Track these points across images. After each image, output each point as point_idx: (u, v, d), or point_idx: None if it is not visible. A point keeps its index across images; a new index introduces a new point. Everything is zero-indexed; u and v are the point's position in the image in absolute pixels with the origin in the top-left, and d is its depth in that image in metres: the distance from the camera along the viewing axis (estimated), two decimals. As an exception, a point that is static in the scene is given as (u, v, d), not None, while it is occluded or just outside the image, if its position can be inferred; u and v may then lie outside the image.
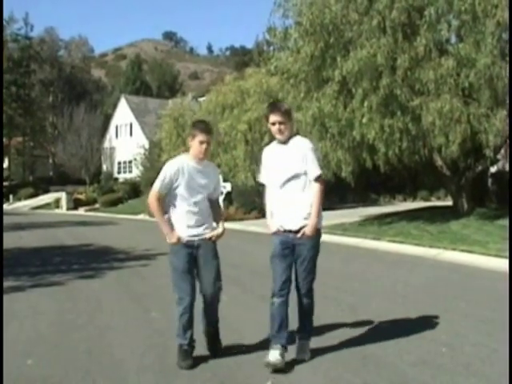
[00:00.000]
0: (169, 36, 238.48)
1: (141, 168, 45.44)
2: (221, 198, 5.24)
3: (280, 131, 4.74)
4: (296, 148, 4.76)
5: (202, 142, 4.82)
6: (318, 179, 4.75)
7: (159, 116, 39.90)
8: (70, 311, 7.21)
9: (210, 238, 4.90)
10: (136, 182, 46.18)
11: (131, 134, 57.65)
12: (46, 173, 68.05)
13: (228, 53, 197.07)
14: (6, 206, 50.24)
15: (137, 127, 56.69)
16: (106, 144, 59.32)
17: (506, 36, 13.52)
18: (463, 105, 13.98)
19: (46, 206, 49.56)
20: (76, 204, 46.55)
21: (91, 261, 12.45)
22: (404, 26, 14.56)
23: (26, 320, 6.73)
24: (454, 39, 15.37)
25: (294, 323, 4.89)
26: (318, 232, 4.79)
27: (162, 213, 4.93)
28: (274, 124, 4.74)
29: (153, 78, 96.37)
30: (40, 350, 5.42)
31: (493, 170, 20.93)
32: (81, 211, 44.02)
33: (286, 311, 4.71)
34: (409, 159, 15.70)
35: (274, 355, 4.56)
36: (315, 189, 4.75)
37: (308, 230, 4.69)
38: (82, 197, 48.22)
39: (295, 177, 4.71)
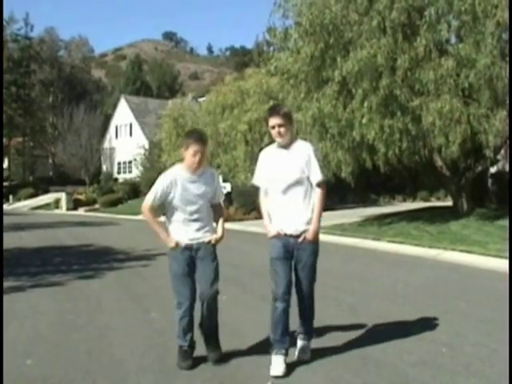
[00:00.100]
0: (169, 36, 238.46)
1: (141, 168, 45.50)
2: (222, 205, 5.14)
3: (280, 134, 4.67)
4: (299, 153, 4.71)
5: (195, 153, 4.70)
6: (319, 184, 4.74)
7: (159, 116, 39.92)
8: (69, 311, 7.21)
9: (210, 242, 4.85)
10: (136, 182, 46.21)
11: (131, 134, 57.66)
12: (46, 173, 68.07)
13: (228, 53, 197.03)
14: (5, 207, 50.24)
15: (137, 127, 56.70)
16: (106, 144, 59.35)
17: (506, 36, 13.51)
18: (463, 105, 13.98)
19: (46, 206, 49.57)
20: (76, 204, 46.55)
21: (91, 261, 12.45)
22: (404, 26, 14.56)
23: (26, 320, 6.74)
24: (453, 39, 15.38)
25: (292, 323, 4.88)
26: (317, 237, 4.79)
27: (156, 221, 4.92)
28: (273, 127, 4.68)
29: (153, 78, 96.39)
30: (40, 350, 5.42)
31: (493, 170, 20.93)
32: (80, 211, 44.02)
33: (288, 316, 4.69)
34: (409, 159, 15.69)
35: (277, 367, 4.52)
36: (317, 194, 4.74)
37: (310, 235, 4.67)
38: (81, 197, 48.23)
39: (298, 182, 4.67)
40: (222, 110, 28.00)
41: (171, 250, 4.85)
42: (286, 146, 4.74)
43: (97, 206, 45.45)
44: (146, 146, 47.28)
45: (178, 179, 4.80)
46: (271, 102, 20.71)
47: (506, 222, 13.79)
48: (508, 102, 13.51)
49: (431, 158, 16.61)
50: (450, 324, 5.99)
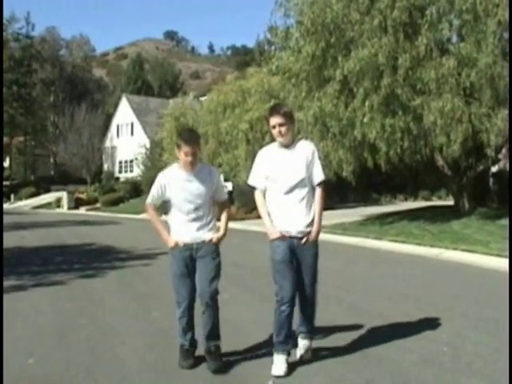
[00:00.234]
0: (170, 35, 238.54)
1: (142, 167, 45.49)
2: (226, 204, 5.06)
3: (281, 133, 4.62)
4: (303, 153, 4.68)
5: (186, 154, 4.65)
6: (320, 184, 4.74)
7: (160, 115, 39.94)
8: (71, 310, 7.21)
9: (211, 240, 4.78)
10: (137, 181, 46.20)
11: (132, 133, 57.67)
12: (48, 172, 68.11)
13: (229, 52, 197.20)
14: (7, 206, 50.32)
15: (138, 127, 56.71)
16: (108, 143, 59.38)
17: (507, 35, 13.51)
18: (464, 104, 13.98)
19: (48, 205, 49.58)
20: (77, 203, 46.57)
21: (93, 260, 12.46)
22: (405, 25, 14.56)
23: (27, 319, 6.74)
24: (455, 39, 15.39)
25: (293, 323, 4.88)
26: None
27: (159, 220, 4.93)
28: (274, 127, 4.63)
29: (154, 77, 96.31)
30: (42, 349, 5.43)
31: (494, 169, 20.90)
32: (82, 210, 44.05)
33: (292, 318, 4.67)
34: (410, 159, 15.70)
35: (279, 366, 4.53)
36: (319, 194, 4.73)
37: (313, 236, 4.66)
38: (83, 196, 48.26)
39: (301, 182, 4.63)
40: (224, 109, 27.99)
41: (171, 249, 4.84)
42: (287, 146, 4.69)
43: (98, 205, 45.47)
44: (148, 145, 47.29)
45: (174, 179, 4.79)
46: (272, 101, 20.72)
47: (507, 222, 13.78)
48: (509, 101, 13.50)
49: (432, 157, 16.61)
50: (451, 323, 5.99)
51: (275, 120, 4.62)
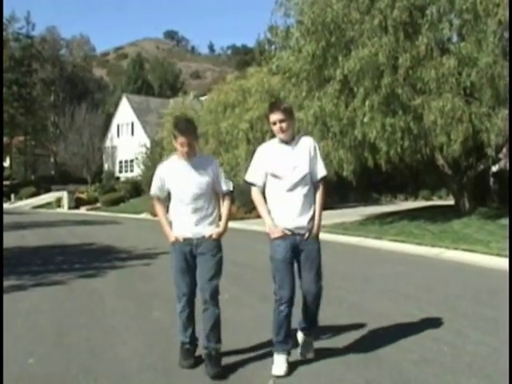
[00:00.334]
0: (170, 35, 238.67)
1: (142, 167, 45.47)
2: (227, 197, 4.95)
3: (282, 130, 4.57)
4: (304, 149, 4.65)
5: (182, 145, 4.60)
6: (322, 179, 4.73)
7: (161, 115, 39.93)
8: (71, 310, 7.22)
9: (210, 236, 4.70)
10: (137, 181, 46.19)
11: (133, 133, 57.68)
12: (48, 172, 68.15)
13: (229, 52, 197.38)
14: (7, 205, 50.35)
15: (138, 126, 56.73)
16: (108, 143, 59.39)
17: (507, 35, 13.50)
18: (465, 104, 13.98)
19: (48, 205, 49.61)
20: (77, 203, 46.59)
21: (93, 260, 12.46)
22: (405, 24, 14.56)
23: (27, 319, 6.74)
24: (455, 38, 15.38)
25: (293, 323, 4.87)
26: None
27: (163, 213, 4.91)
28: (274, 123, 4.59)
29: (154, 77, 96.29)
30: (42, 349, 5.42)
31: (494, 169, 20.89)
32: (82, 210, 44.07)
33: (291, 317, 4.65)
34: (410, 158, 15.70)
35: (279, 366, 4.52)
36: (321, 189, 4.72)
37: (315, 230, 4.63)
38: (83, 196, 48.28)
39: (304, 178, 4.60)
40: (224, 108, 28.00)
41: (172, 244, 4.81)
42: (288, 142, 4.65)
43: (98, 204, 45.49)
44: (148, 145, 47.27)
45: (173, 169, 4.76)
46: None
47: (507, 221, 13.77)
48: (509, 100, 13.49)
49: (433, 157, 16.61)
50: (451, 323, 5.99)
51: (275, 116, 4.58)
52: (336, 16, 14.97)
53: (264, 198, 4.74)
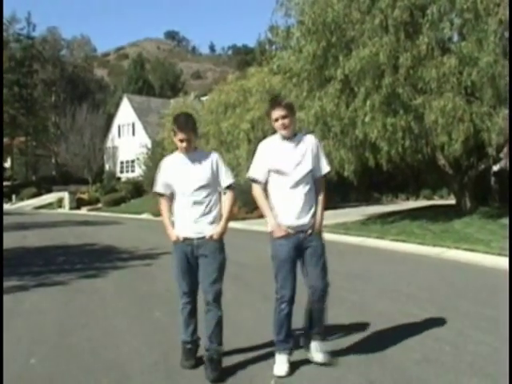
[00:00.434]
0: (171, 35, 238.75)
1: (143, 167, 45.50)
2: (229, 193, 4.80)
3: (284, 126, 4.53)
4: (307, 145, 4.62)
5: (181, 141, 4.62)
6: (325, 176, 4.73)
7: (162, 115, 39.96)
8: (73, 310, 7.22)
9: (211, 237, 4.65)
10: (139, 181, 46.22)
11: (134, 133, 57.68)
12: (49, 172, 68.18)
13: (230, 52, 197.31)
14: (8, 206, 50.43)
15: (139, 127, 56.72)
16: (109, 143, 59.40)
17: (508, 34, 13.48)
18: (466, 103, 13.97)
19: (49, 205, 49.64)
20: (79, 203, 46.61)
21: (95, 260, 12.47)
22: (406, 24, 14.54)
23: (29, 319, 6.75)
24: (456, 38, 15.36)
25: (294, 324, 4.87)
26: None
27: (166, 212, 4.89)
28: (277, 120, 4.55)
29: (155, 77, 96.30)
30: (43, 350, 5.43)
31: (495, 168, 20.88)
32: (83, 211, 44.07)
33: (292, 316, 4.65)
34: (411, 158, 15.69)
35: (281, 366, 4.52)
36: (322, 184, 4.72)
37: (317, 226, 4.62)
38: (84, 196, 48.31)
39: (307, 175, 4.58)
40: (225, 108, 28.00)
41: (173, 243, 4.80)
42: (289, 138, 4.62)
43: (100, 205, 45.50)
44: (149, 145, 47.29)
45: (174, 163, 4.79)
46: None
47: (508, 221, 13.78)
48: (510, 99, 13.48)
49: (434, 157, 16.60)
50: (453, 322, 5.99)
51: (278, 113, 4.54)
52: (337, 16, 14.97)
53: (265, 195, 4.70)
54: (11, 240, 16.47)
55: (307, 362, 4.76)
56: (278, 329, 4.62)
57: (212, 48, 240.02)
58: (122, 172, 57.49)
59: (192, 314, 4.84)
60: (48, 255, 13.73)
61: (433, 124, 14.05)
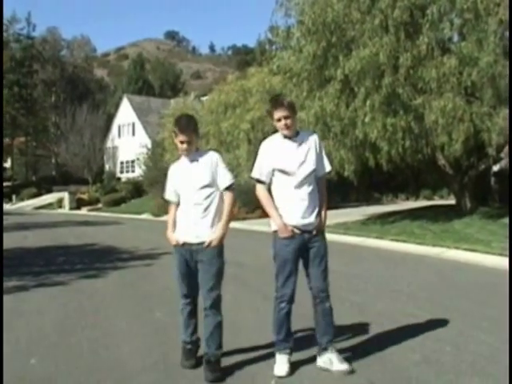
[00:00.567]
0: (171, 35, 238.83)
1: (143, 167, 45.51)
2: (228, 194, 4.72)
3: (287, 126, 4.50)
4: (309, 144, 4.60)
5: (182, 142, 4.60)
6: (325, 174, 4.72)
7: (162, 115, 39.94)
8: (73, 311, 7.22)
9: (210, 243, 4.58)
10: (139, 181, 46.20)
11: (134, 133, 57.71)
12: (49, 173, 68.22)
13: (230, 52, 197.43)
14: (9, 206, 50.44)
15: (139, 127, 56.74)
16: (109, 144, 59.42)
17: (508, 34, 13.49)
18: (466, 103, 13.97)
19: (49, 205, 49.67)
20: (79, 204, 46.63)
21: (95, 260, 12.47)
22: (406, 24, 14.55)
23: (29, 319, 6.75)
24: (456, 38, 15.37)
25: (294, 325, 4.86)
26: None
27: (171, 217, 4.87)
28: (279, 120, 4.51)
29: (155, 77, 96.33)
30: (43, 350, 5.43)
31: (496, 168, 20.87)
32: (83, 211, 44.08)
33: (291, 315, 4.65)
34: (411, 158, 15.69)
35: (281, 366, 4.51)
36: (324, 184, 4.72)
37: (322, 226, 4.62)
38: (84, 196, 48.32)
39: (311, 174, 4.56)
40: (225, 109, 28.00)
41: (174, 246, 4.79)
42: (292, 137, 4.59)
43: (100, 205, 45.51)
44: (149, 146, 47.26)
45: (177, 168, 4.80)
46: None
47: (508, 221, 13.78)
48: (510, 99, 13.48)
49: (434, 157, 16.60)
50: (453, 322, 5.99)
51: (280, 113, 4.50)
52: (337, 16, 14.97)
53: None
54: (11, 240, 16.47)
55: (307, 361, 4.76)
56: (277, 328, 4.62)
57: (212, 48, 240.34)
58: (122, 172, 57.51)
59: (191, 314, 4.85)
60: (48, 255, 13.72)
61: (433, 124, 14.06)
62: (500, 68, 13.21)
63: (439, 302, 7.11)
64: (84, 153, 53.61)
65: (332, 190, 4.92)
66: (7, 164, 68.18)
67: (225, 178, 4.68)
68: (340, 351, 4.78)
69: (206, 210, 4.62)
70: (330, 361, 4.58)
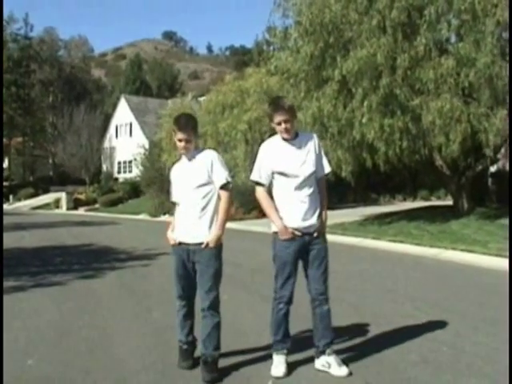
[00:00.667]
0: (168, 36, 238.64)
1: (141, 168, 45.45)
2: (223, 194, 4.67)
3: (287, 130, 4.49)
4: (309, 146, 4.60)
5: (180, 140, 4.60)
6: (325, 176, 4.71)
7: (159, 116, 39.90)
8: (70, 311, 7.21)
9: (207, 245, 4.56)
10: (136, 181, 46.12)
11: (131, 133, 57.66)
12: (46, 173, 68.14)
13: (228, 52, 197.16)
14: (6, 206, 50.33)
15: (137, 127, 56.71)
16: (106, 144, 59.36)
17: (505, 35, 13.53)
18: (463, 104, 13.98)
19: (46, 206, 49.62)
20: (76, 204, 46.61)
21: (92, 261, 12.45)
22: (404, 25, 14.56)
23: (26, 320, 6.73)
24: (453, 38, 15.37)
25: (293, 326, 4.86)
26: None
27: (174, 218, 4.89)
28: (279, 123, 4.49)
29: (153, 77, 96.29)
30: (41, 350, 5.42)
31: (493, 169, 20.94)
32: (81, 211, 44.05)
33: (289, 317, 4.64)
34: (409, 159, 15.69)
35: (278, 367, 4.51)
36: (324, 185, 4.71)
37: (323, 228, 4.61)
38: (81, 197, 48.27)
39: (311, 175, 4.55)
40: (222, 109, 28.00)
41: (172, 246, 4.78)
42: (291, 140, 4.58)
43: (97, 205, 45.47)
44: (146, 146, 47.17)
45: (177, 169, 4.81)
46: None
47: (506, 221, 13.80)
48: (508, 100, 13.51)
49: (431, 157, 16.61)
50: (450, 323, 5.99)
51: (281, 117, 4.47)
52: (334, 17, 14.97)
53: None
54: (9, 240, 16.43)
55: (304, 362, 4.76)
56: (275, 329, 4.62)
57: (209, 48, 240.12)
58: (119, 172, 57.45)
59: (187, 316, 4.84)
60: (45, 256, 13.71)
61: (430, 125, 14.07)
62: (497, 69, 13.23)
63: (436, 303, 7.11)
64: (81, 153, 53.55)
65: (329, 191, 4.89)
66: (4, 164, 68.04)
67: (220, 176, 4.63)
68: (337, 352, 4.76)
69: (203, 209, 4.59)
70: (328, 364, 4.56)
